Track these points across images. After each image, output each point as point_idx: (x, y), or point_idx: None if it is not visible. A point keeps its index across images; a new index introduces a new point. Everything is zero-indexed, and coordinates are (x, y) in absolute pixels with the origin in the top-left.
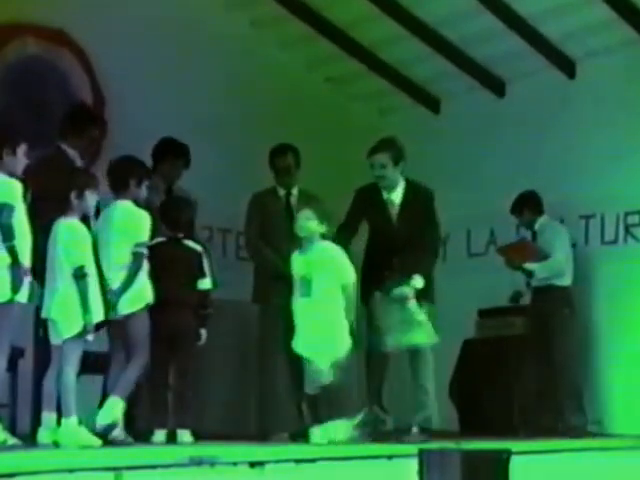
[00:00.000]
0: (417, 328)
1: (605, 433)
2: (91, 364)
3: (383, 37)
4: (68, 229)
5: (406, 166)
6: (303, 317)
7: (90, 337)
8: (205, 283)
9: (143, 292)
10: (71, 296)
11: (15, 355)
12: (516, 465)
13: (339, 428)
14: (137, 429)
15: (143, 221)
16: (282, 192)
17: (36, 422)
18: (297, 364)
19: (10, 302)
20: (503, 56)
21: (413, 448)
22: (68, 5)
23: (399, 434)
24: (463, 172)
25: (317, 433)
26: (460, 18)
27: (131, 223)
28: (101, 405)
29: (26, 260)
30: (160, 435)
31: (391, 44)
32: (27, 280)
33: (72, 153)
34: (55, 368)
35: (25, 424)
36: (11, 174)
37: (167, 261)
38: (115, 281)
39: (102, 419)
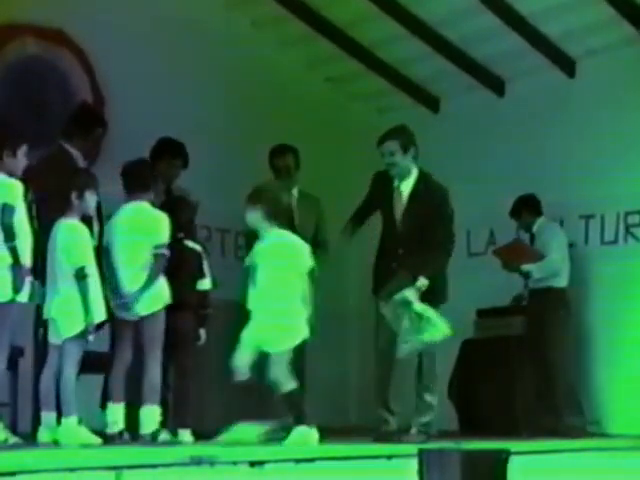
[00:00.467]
0: (427, 326)
1: (604, 433)
2: (91, 364)
3: (383, 37)
4: (68, 229)
5: (417, 154)
6: (252, 307)
7: (91, 337)
8: (205, 283)
9: (161, 293)
10: (72, 296)
11: (15, 354)
12: (515, 465)
13: (247, 430)
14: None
15: (162, 222)
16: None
17: (37, 421)
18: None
19: (11, 302)
20: (503, 55)
21: (413, 448)
22: (68, 5)
23: (399, 434)
24: (462, 172)
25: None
26: (459, 17)
27: (151, 224)
28: (102, 405)
29: (27, 260)
30: (162, 435)
31: (390, 43)
32: (28, 280)
33: (75, 153)
34: (51, 367)
35: (26, 423)
36: (11, 174)
37: (167, 261)
38: (134, 282)
39: (146, 429)
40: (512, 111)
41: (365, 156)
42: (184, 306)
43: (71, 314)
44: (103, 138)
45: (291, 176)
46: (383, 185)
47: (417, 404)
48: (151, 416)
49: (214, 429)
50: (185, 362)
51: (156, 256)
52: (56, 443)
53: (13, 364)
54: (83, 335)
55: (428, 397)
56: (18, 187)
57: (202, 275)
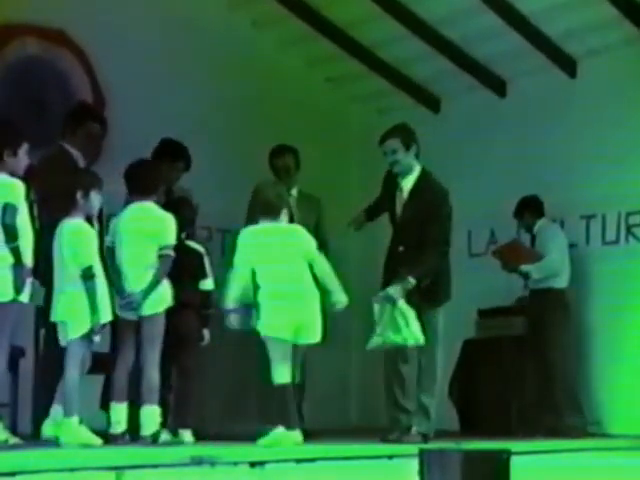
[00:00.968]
0: (404, 328)
1: (604, 433)
2: (92, 364)
3: (383, 37)
4: (74, 229)
5: (419, 151)
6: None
7: (97, 338)
8: (207, 284)
9: (165, 295)
10: (78, 297)
11: (16, 355)
12: (516, 465)
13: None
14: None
15: (169, 223)
16: None
17: (37, 421)
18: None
19: (12, 302)
20: (504, 55)
21: (413, 448)
22: (68, 5)
23: (400, 435)
24: (463, 172)
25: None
26: (460, 17)
27: (158, 225)
28: (102, 405)
29: (28, 260)
30: (163, 435)
31: (391, 43)
32: (29, 280)
33: (75, 153)
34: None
35: (26, 423)
36: (13, 174)
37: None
38: (139, 282)
39: (146, 430)
40: (513, 111)
41: (365, 156)
42: (186, 306)
43: (77, 315)
44: (104, 138)
45: (291, 176)
46: (391, 183)
47: (416, 405)
48: (151, 417)
49: (214, 429)
50: (187, 362)
51: (162, 257)
52: (57, 440)
53: (13, 364)
54: (88, 336)
55: (425, 399)
56: (20, 187)
57: (204, 275)
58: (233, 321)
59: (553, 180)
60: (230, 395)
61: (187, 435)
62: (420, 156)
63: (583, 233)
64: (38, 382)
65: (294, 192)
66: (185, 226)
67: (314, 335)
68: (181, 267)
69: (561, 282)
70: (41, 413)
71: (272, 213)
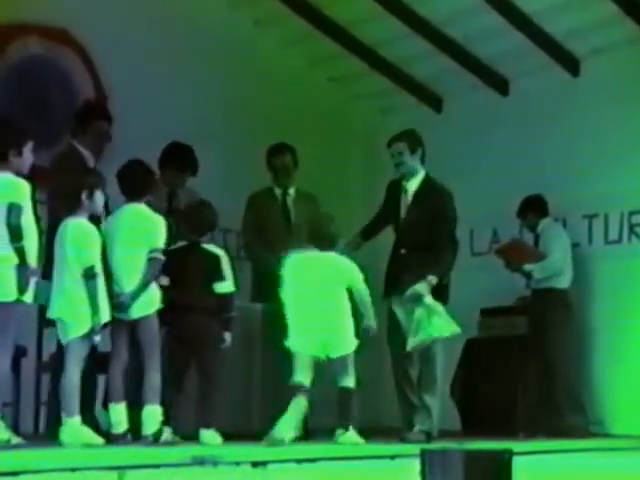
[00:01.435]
0: (437, 321)
1: (607, 433)
2: (94, 364)
3: (386, 35)
4: (78, 228)
5: (424, 156)
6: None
7: (97, 338)
8: (223, 286)
9: (155, 297)
10: (79, 296)
11: (18, 354)
12: (518, 465)
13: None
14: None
15: (160, 226)
16: (279, 192)
17: (52, 425)
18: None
19: (16, 302)
20: (506, 54)
21: (415, 448)
22: (71, 5)
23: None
24: (466, 171)
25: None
26: (463, 16)
27: (149, 227)
28: (104, 405)
29: (32, 261)
30: (164, 435)
31: (394, 42)
32: (33, 280)
33: (85, 152)
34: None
35: (28, 423)
36: (18, 173)
37: (185, 265)
38: (129, 283)
39: (148, 429)
40: (516, 110)
41: (368, 155)
42: (202, 310)
43: (78, 314)
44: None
45: (289, 175)
46: (395, 190)
47: (419, 404)
48: (153, 417)
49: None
50: (208, 365)
51: (151, 260)
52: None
53: (16, 364)
54: (89, 335)
55: (428, 398)
56: (26, 187)
57: (221, 278)
58: None
59: (555, 179)
60: (234, 395)
61: (210, 435)
62: (425, 155)
63: (585, 232)
64: (54, 384)
65: (292, 191)
66: (205, 229)
67: (345, 348)
68: (196, 270)
69: (563, 282)
70: (56, 417)
71: (330, 247)
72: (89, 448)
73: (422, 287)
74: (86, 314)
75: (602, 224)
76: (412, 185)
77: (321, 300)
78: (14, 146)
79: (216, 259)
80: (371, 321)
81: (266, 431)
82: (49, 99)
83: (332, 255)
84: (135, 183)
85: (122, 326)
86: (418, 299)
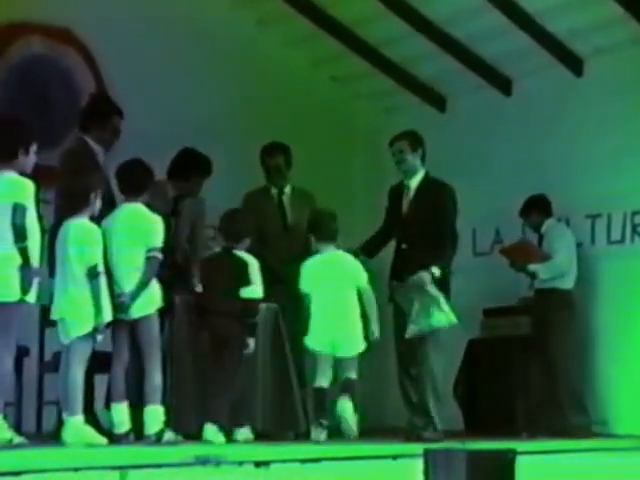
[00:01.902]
0: (437, 311)
1: (610, 433)
2: (97, 363)
3: (389, 35)
4: (80, 228)
5: (425, 156)
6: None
7: (100, 337)
8: (249, 292)
9: (154, 296)
10: (82, 296)
11: (20, 354)
12: (521, 465)
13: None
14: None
15: (157, 225)
16: (274, 191)
17: (41, 421)
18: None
19: (19, 302)
20: (510, 54)
21: (418, 448)
22: (73, 4)
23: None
24: (469, 171)
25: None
26: (466, 16)
27: (146, 227)
28: (107, 405)
29: (36, 261)
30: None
31: (397, 42)
32: (36, 281)
33: (96, 148)
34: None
35: (30, 423)
36: (21, 173)
37: (216, 271)
38: (128, 282)
39: (150, 429)
40: (519, 110)
41: (371, 155)
42: (225, 313)
43: (81, 314)
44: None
45: (282, 176)
46: (396, 193)
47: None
48: (155, 416)
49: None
50: (233, 369)
51: (149, 259)
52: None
53: (18, 364)
54: (92, 334)
55: (428, 398)
56: (30, 186)
57: (247, 283)
58: None
59: (558, 179)
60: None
61: (243, 433)
62: (426, 155)
63: (588, 232)
64: (42, 381)
65: (287, 190)
66: (240, 237)
67: (354, 349)
68: (223, 275)
69: (567, 283)
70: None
71: (330, 240)
72: (91, 448)
73: (425, 276)
74: (89, 314)
75: (605, 224)
76: (414, 182)
77: (333, 299)
78: (23, 145)
79: (244, 265)
80: (374, 325)
81: (268, 431)
82: (51, 98)
83: (341, 254)
84: (134, 182)
85: (123, 326)
86: (420, 288)
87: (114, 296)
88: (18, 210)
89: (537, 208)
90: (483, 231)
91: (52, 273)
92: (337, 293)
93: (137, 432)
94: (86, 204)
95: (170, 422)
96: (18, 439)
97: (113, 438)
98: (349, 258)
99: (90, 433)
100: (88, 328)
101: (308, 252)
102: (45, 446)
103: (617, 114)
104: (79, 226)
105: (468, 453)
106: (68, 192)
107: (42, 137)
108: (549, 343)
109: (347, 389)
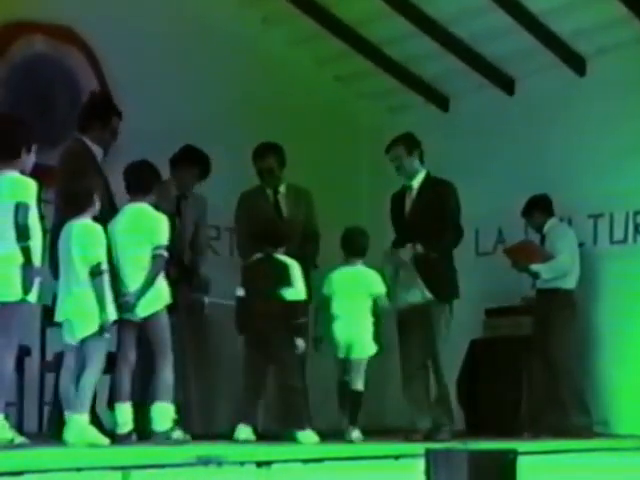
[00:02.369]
0: (411, 288)
1: (611, 434)
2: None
3: (392, 35)
4: (83, 228)
5: (423, 156)
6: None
7: (107, 335)
8: (292, 293)
9: (161, 294)
10: (87, 295)
11: (22, 354)
12: (523, 465)
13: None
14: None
15: (163, 224)
16: (269, 191)
17: (42, 421)
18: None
19: (21, 302)
20: (513, 53)
21: (420, 448)
22: (76, 3)
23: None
24: (471, 170)
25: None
26: (470, 15)
27: (152, 225)
28: (109, 405)
29: (37, 260)
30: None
31: (400, 42)
32: (37, 280)
33: (95, 149)
34: (69, 369)
35: (32, 422)
36: (22, 172)
37: (257, 275)
38: (135, 282)
39: (159, 427)
40: (522, 110)
41: (375, 154)
42: (268, 315)
43: (85, 314)
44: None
45: (275, 177)
46: (398, 199)
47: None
48: (165, 414)
49: (223, 429)
50: (282, 372)
51: (155, 257)
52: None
53: (19, 363)
54: (100, 333)
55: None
56: (33, 185)
57: (289, 285)
58: None
59: (561, 178)
60: (238, 397)
61: (306, 435)
62: (429, 154)
63: (591, 232)
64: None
65: (282, 189)
66: (278, 242)
67: (365, 351)
68: (266, 278)
69: (569, 283)
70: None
71: (360, 256)
72: (93, 448)
73: (404, 253)
74: (94, 313)
75: (607, 224)
76: (416, 182)
77: (348, 306)
78: (26, 144)
79: (285, 267)
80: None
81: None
82: (54, 97)
83: (366, 270)
84: (141, 182)
85: (129, 326)
86: (401, 264)
87: (120, 296)
88: (21, 209)
89: (539, 208)
90: (485, 231)
91: (56, 275)
92: (355, 302)
93: (139, 432)
94: (89, 204)
95: (179, 421)
96: (19, 439)
97: (115, 438)
98: (373, 274)
99: (93, 433)
100: (94, 328)
101: (304, 250)
102: (47, 446)
103: (620, 114)
104: (82, 226)
105: (470, 453)
106: (69, 193)
107: (43, 136)
108: (551, 343)
109: (353, 413)
